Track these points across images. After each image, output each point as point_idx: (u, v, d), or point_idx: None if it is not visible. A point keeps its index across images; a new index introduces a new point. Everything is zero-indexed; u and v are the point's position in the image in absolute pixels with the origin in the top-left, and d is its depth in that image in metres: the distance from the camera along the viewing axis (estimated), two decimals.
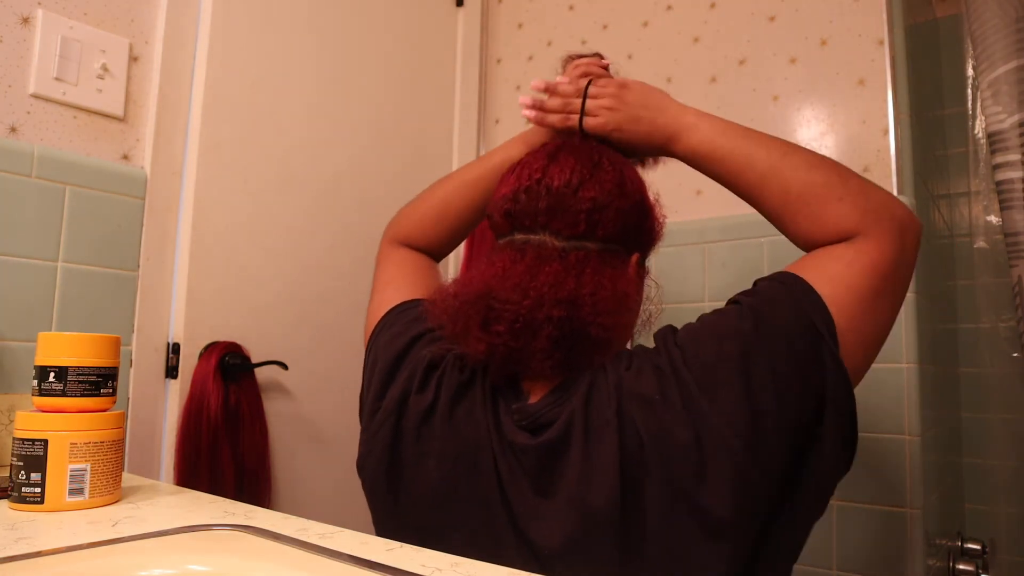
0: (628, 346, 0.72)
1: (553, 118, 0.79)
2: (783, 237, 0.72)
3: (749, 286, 0.67)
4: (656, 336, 0.66)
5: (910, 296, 1.08)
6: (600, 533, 0.56)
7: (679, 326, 0.66)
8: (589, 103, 0.77)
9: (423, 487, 0.66)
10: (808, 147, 0.74)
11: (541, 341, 0.62)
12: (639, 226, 0.71)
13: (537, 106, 0.79)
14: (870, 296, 0.61)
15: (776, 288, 0.63)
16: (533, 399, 0.65)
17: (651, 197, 0.75)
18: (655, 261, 0.79)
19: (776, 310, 0.61)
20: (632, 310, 0.68)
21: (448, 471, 0.65)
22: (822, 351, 0.58)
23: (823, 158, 0.70)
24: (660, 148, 0.76)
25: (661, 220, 0.76)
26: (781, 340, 0.59)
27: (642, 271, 0.74)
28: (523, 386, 0.67)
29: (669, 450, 0.56)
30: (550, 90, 0.80)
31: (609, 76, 0.83)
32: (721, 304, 0.67)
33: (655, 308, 0.76)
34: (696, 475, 0.55)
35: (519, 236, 0.69)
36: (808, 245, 0.68)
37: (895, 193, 1.12)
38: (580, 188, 0.67)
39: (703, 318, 0.64)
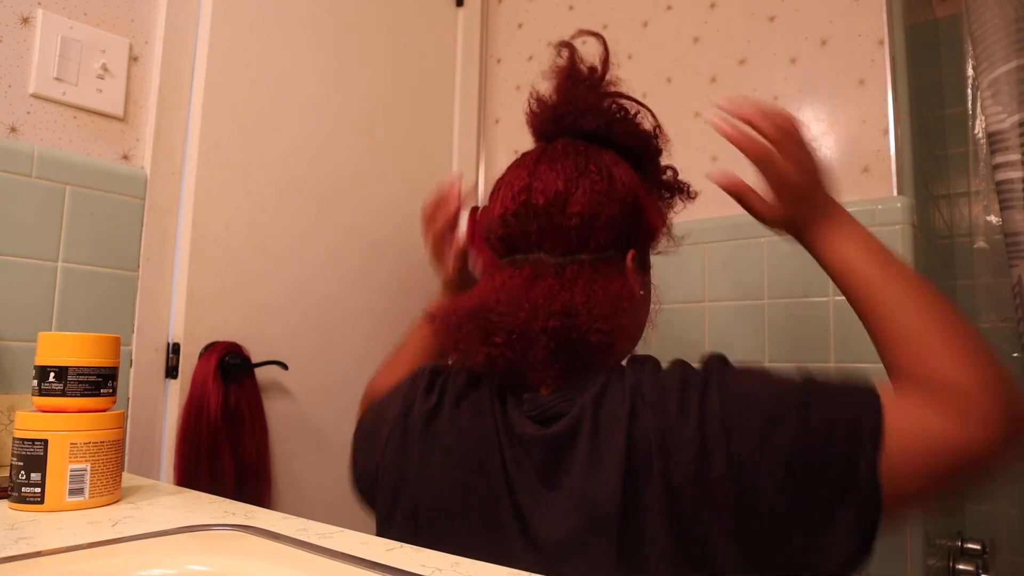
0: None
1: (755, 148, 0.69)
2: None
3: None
4: (707, 362, 0.63)
5: None
6: (600, 529, 0.56)
7: (722, 354, 0.64)
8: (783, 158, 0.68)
9: (429, 482, 0.67)
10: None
11: (539, 352, 0.63)
12: (632, 226, 0.71)
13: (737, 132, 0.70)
14: (935, 474, 0.54)
15: (843, 381, 0.59)
16: (544, 392, 0.66)
17: (645, 193, 0.74)
18: (654, 262, 0.78)
19: (824, 408, 0.56)
20: (630, 310, 0.67)
21: (454, 465, 0.66)
22: (858, 457, 0.53)
23: (954, 311, 0.61)
24: (800, 230, 0.70)
25: (660, 213, 0.76)
26: (813, 425, 0.55)
27: (642, 266, 0.74)
28: (532, 384, 0.68)
29: (674, 453, 0.56)
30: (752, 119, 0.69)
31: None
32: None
33: (654, 308, 0.76)
34: (695, 481, 0.55)
35: (518, 256, 0.71)
36: (897, 375, 0.61)
37: (894, 193, 1.12)
38: (566, 204, 0.67)
39: (757, 376, 0.60)
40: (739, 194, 0.74)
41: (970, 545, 1.28)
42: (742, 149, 0.69)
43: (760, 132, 0.68)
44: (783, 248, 0.67)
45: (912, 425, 0.54)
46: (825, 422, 0.55)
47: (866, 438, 0.53)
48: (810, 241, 0.69)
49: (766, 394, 0.57)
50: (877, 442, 0.53)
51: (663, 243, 0.78)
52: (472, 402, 0.68)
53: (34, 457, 0.62)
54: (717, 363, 0.62)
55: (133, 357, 1.03)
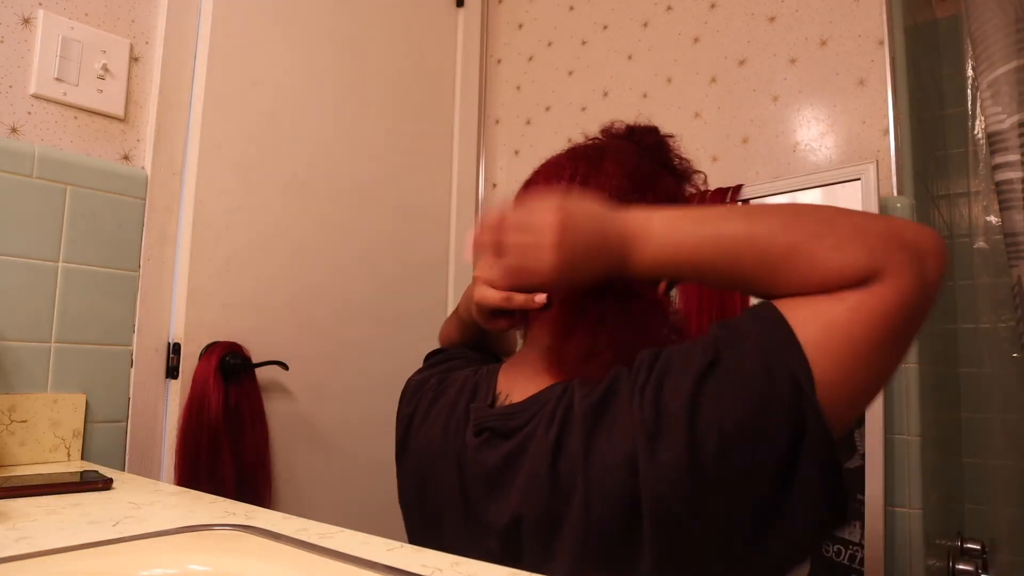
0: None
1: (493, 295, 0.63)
2: None
3: None
4: (637, 359, 0.57)
5: None
6: (533, 531, 0.57)
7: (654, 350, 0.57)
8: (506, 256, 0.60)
9: (423, 446, 0.69)
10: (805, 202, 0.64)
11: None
12: None
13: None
14: (875, 347, 0.50)
15: (750, 325, 0.53)
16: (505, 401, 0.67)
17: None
18: None
19: (742, 354, 0.52)
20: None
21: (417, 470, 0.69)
22: (801, 403, 0.49)
23: (799, 208, 0.55)
24: (614, 273, 0.58)
25: None
26: (739, 390, 0.50)
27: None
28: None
29: (595, 480, 0.53)
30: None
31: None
32: None
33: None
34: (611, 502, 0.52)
35: None
36: None
37: (895, 193, 1.12)
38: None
39: (675, 352, 0.55)
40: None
41: (970, 545, 1.28)
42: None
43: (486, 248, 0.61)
44: None
45: (836, 322, 0.50)
46: (745, 376, 0.50)
47: (801, 377, 0.49)
48: (634, 271, 0.58)
49: (682, 386, 0.52)
50: (810, 378, 0.49)
51: None
52: (444, 408, 0.70)
53: None
54: (645, 360, 0.56)
55: (133, 357, 1.03)
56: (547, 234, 0.55)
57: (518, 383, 0.66)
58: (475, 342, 0.86)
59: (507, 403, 0.64)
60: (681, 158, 0.73)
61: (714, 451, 0.49)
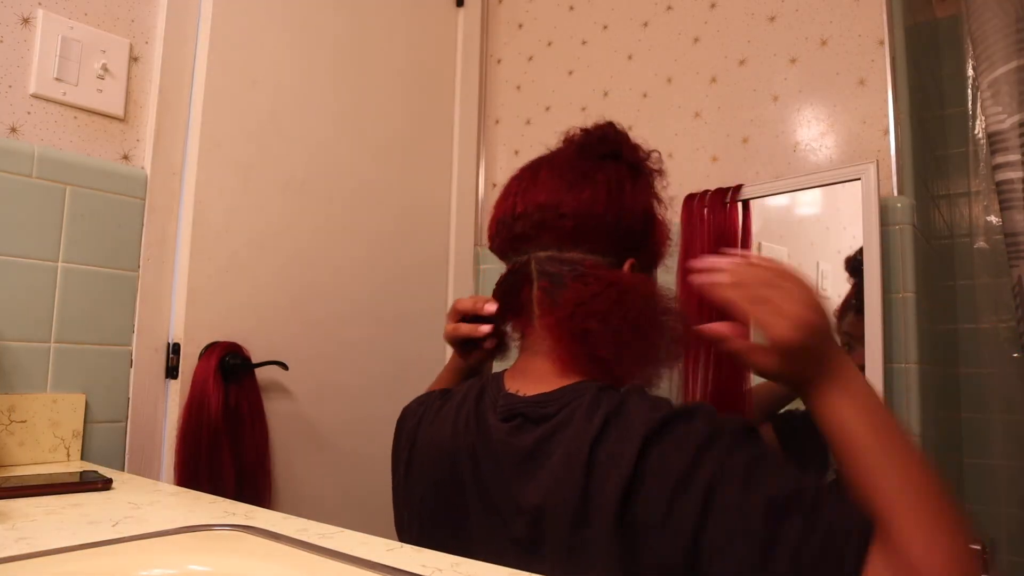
0: None
1: (738, 299, 0.63)
2: None
3: None
4: (722, 427, 0.58)
5: (910, 296, 1.07)
6: (553, 530, 0.58)
7: (749, 425, 0.59)
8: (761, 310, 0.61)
9: (415, 498, 0.71)
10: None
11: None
12: (636, 237, 0.74)
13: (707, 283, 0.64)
14: None
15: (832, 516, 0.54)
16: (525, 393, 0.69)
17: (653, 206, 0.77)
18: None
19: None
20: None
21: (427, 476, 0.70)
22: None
23: (933, 482, 0.58)
24: (787, 381, 0.62)
25: (664, 228, 0.78)
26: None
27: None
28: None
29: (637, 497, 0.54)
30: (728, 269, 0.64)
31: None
32: None
33: None
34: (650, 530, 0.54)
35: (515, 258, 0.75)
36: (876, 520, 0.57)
37: (895, 193, 1.12)
38: (559, 207, 0.72)
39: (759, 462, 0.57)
40: (726, 343, 0.64)
41: (970, 545, 1.28)
42: (724, 307, 0.63)
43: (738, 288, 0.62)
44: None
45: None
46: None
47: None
48: (809, 397, 0.61)
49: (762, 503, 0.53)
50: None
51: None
52: (452, 409, 0.71)
53: None
54: (735, 434, 0.57)
55: (133, 357, 1.03)
56: (808, 315, 0.59)
57: (528, 383, 0.69)
58: None
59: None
60: (631, 146, 0.78)
61: (760, 519, 0.51)
